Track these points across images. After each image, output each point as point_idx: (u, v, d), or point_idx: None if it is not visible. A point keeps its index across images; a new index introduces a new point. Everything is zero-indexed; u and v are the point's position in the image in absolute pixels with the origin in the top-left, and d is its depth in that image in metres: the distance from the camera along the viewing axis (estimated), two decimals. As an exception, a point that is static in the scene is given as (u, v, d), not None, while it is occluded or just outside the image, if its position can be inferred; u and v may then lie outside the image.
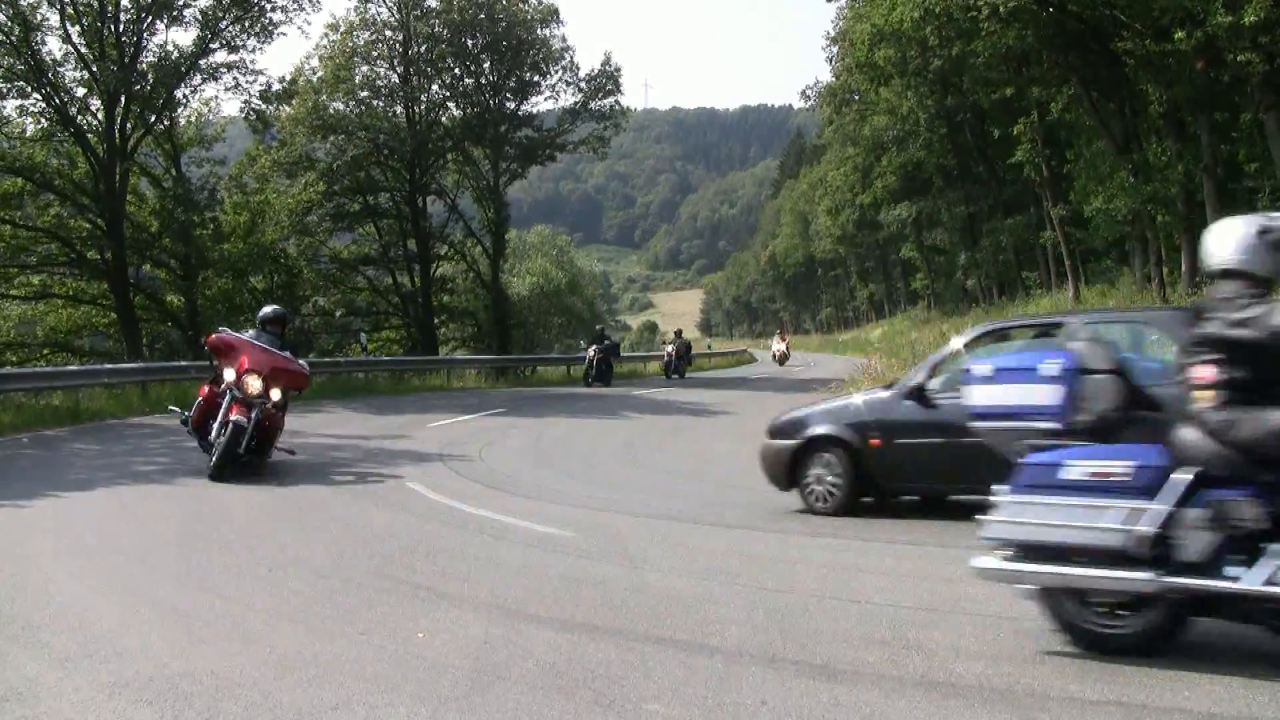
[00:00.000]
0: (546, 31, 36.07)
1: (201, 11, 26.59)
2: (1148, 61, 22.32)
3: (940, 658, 4.44)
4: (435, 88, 36.37)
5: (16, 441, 13.63)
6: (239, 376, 10.21)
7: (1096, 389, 4.57)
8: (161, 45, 28.00)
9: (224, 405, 10.15)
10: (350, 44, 33.90)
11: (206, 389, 10.67)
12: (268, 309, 11.81)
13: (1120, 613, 4.40)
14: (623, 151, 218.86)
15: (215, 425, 10.17)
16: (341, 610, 5.33)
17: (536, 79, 36.45)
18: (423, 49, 34.70)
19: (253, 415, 10.22)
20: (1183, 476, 4.20)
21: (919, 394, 8.25)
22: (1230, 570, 4.09)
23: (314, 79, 33.13)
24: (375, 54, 34.68)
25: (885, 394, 8.70)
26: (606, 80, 36.91)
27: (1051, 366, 4.58)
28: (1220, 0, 18.01)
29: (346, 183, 34.47)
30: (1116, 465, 4.31)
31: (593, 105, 37.11)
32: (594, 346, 30.18)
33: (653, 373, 42.84)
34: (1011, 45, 26.29)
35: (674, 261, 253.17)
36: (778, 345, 49.60)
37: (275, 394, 10.47)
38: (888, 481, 8.46)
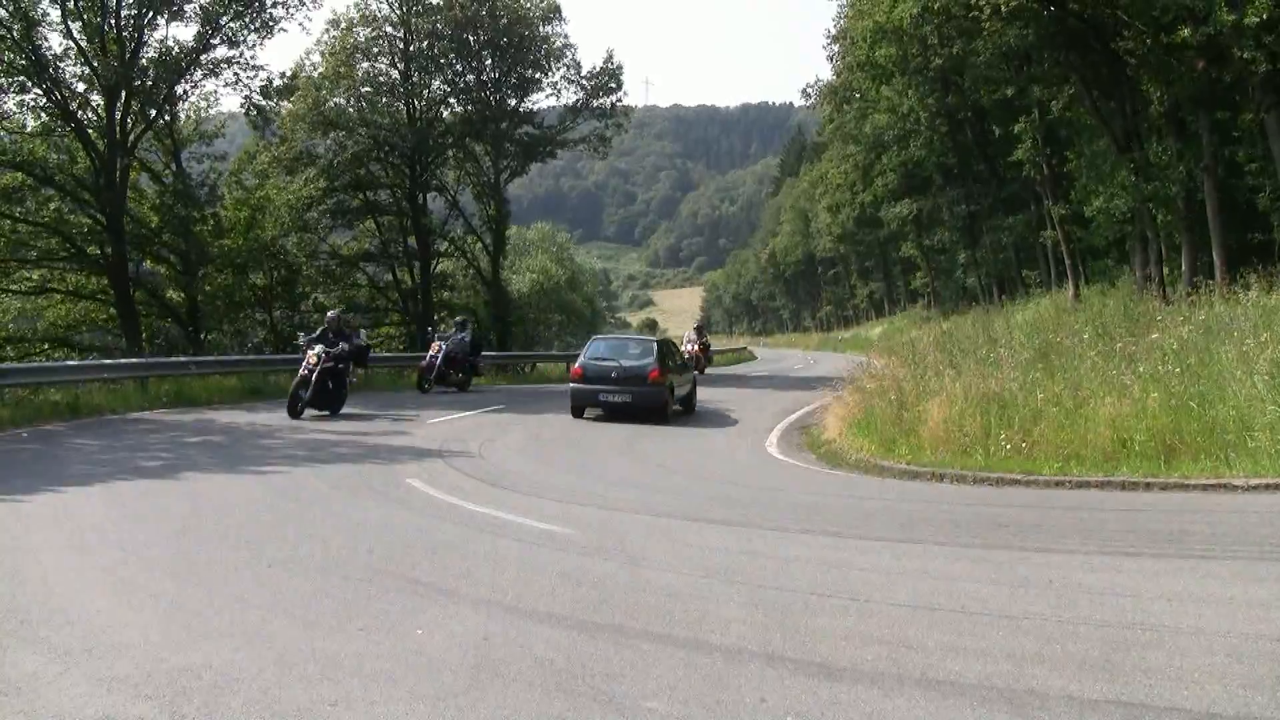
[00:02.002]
0: (548, 29, 36.04)
1: (202, 7, 26.56)
2: (1149, 60, 22.33)
3: (939, 656, 4.44)
4: (436, 84, 36.34)
5: (15, 437, 13.62)
6: None
7: None
8: (162, 40, 28.01)
9: None
10: (351, 40, 33.87)
11: None
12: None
13: None
14: (623, 149, 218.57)
15: None
16: (341, 606, 5.33)
17: (538, 76, 36.40)
18: (424, 45, 34.67)
19: None
20: None
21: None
22: None
23: (315, 75, 33.12)
24: (376, 50, 34.65)
25: None
26: (608, 78, 36.86)
27: None
28: (1222, -1, 18.06)
29: (347, 179, 34.46)
30: None
31: (594, 103, 37.07)
32: (448, 338, 23.77)
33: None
34: (1012, 44, 26.34)
35: (674, 259, 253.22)
36: (688, 345, 33.98)
37: None
38: None
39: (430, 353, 23.34)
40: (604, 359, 18.24)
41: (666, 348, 19.85)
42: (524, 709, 3.80)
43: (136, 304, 27.39)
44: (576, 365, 18.36)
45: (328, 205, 34.57)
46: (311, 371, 16.62)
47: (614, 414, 17.61)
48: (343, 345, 17.40)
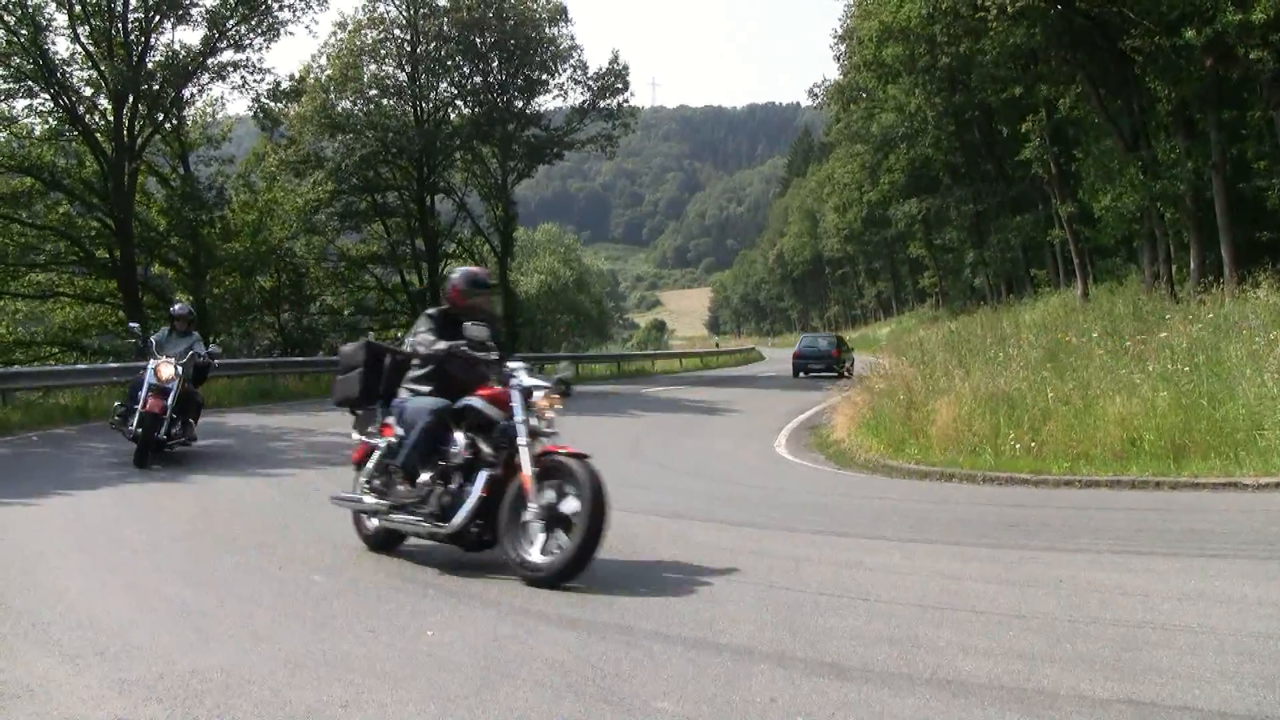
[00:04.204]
0: (554, 30, 36.11)
1: (209, 10, 26.67)
2: (1156, 59, 22.28)
3: (949, 655, 4.43)
4: (443, 86, 36.44)
5: (26, 440, 13.69)
6: None
7: None
8: (169, 44, 28.20)
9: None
10: (358, 43, 33.96)
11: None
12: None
13: None
14: (630, 150, 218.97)
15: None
16: (351, 608, 5.34)
17: (544, 78, 36.46)
18: (431, 47, 34.75)
19: None
20: None
21: None
22: None
23: (322, 78, 33.20)
24: (383, 53, 34.75)
25: None
26: (615, 79, 36.92)
27: None
28: (1229, -3, 18.03)
29: (355, 181, 34.54)
30: None
31: (601, 104, 37.12)
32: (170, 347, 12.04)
33: (659, 370, 42.82)
34: (1019, 43, 26.26)
35: (682, 260, 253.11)
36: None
37: None
38: None
39: (148, 381, 11.16)
40: (808, 345, 34.78)
41: (840, 340, 35.73)
42: (534, 709, 3.80)
43: (145, 307, 27.50)
44: (796, 350, 35.20)
45: (336, 208, 34.66)
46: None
47: (811, 374, 32.84)
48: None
